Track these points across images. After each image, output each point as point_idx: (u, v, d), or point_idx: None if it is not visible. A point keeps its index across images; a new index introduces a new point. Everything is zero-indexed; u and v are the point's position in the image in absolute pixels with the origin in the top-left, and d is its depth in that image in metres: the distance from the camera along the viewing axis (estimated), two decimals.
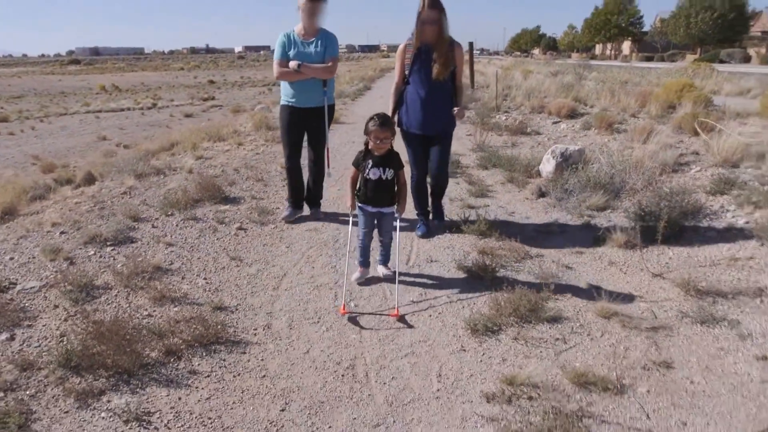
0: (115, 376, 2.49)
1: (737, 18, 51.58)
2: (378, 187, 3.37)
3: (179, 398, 2.37)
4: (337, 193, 5.63)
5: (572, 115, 9.93)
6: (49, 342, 2.79)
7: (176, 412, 2.28)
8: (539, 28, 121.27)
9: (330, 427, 2.19)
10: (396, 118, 4.17)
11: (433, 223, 4.49)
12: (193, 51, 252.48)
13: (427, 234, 4.30)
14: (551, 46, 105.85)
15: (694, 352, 2.65)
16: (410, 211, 4.42)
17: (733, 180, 4.69)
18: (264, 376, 2.53)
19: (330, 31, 4.53)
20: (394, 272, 3.40)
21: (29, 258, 3.92)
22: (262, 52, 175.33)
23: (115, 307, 3.16)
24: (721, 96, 11.08)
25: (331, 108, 4.73)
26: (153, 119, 18.17)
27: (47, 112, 21.31)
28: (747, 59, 45.56)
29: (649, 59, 56.08)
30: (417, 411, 2.28)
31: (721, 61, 43.33)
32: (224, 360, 2.65)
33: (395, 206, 3.46)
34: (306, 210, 4.97)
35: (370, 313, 3.12)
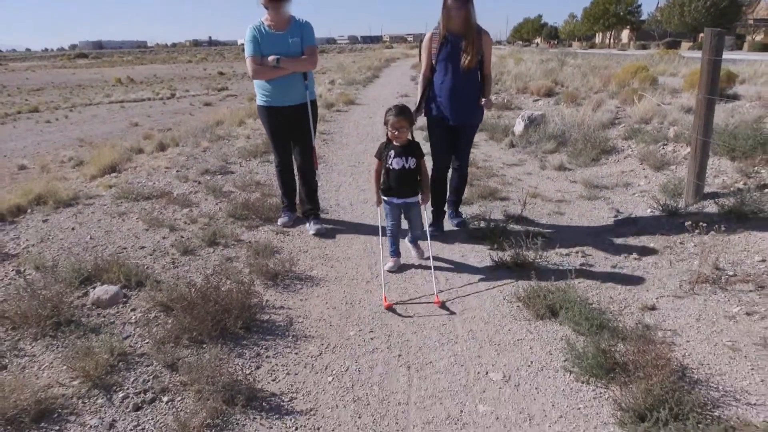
0: (261, 220, 4.62)
1: (730, 6, 53.23)
2: (401, 177, 3.47)
3: (298, 228, 4.51)
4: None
5: (549, 93, 11.97)
6: (214, 211, 4.91)
7: (299, 233, 4.41)
8: (541, 18, 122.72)
9: (376, 262, 4.31)
10: (423, 108, 4.14)
11: (453, 222, 4.48)
12: (196, 43, 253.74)
13: (437, 233, 4.28)
14: (553, 35, 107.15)
15: (577, 209, 4.79)
16: None
17: (639, 130, 6.78)
18: (338, 234, 4.66)
19: (302, 19, 4.14)
20: (426, 256, 3.75)
21: (167, 182, 6.03)
22: None
23: (243, 198, 5.27)
24: (678, 77, 13.10)
25: (314, 104, 4.34)
26: (175, 108, 19.46)
27: (73, 103, 22.27)
28: (739, 47, 47.32)
29: (645, 47, 57.83)
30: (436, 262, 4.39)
31: None
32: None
33: (419, 196, 3.59)
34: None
35: (411, 302, 3.29)
